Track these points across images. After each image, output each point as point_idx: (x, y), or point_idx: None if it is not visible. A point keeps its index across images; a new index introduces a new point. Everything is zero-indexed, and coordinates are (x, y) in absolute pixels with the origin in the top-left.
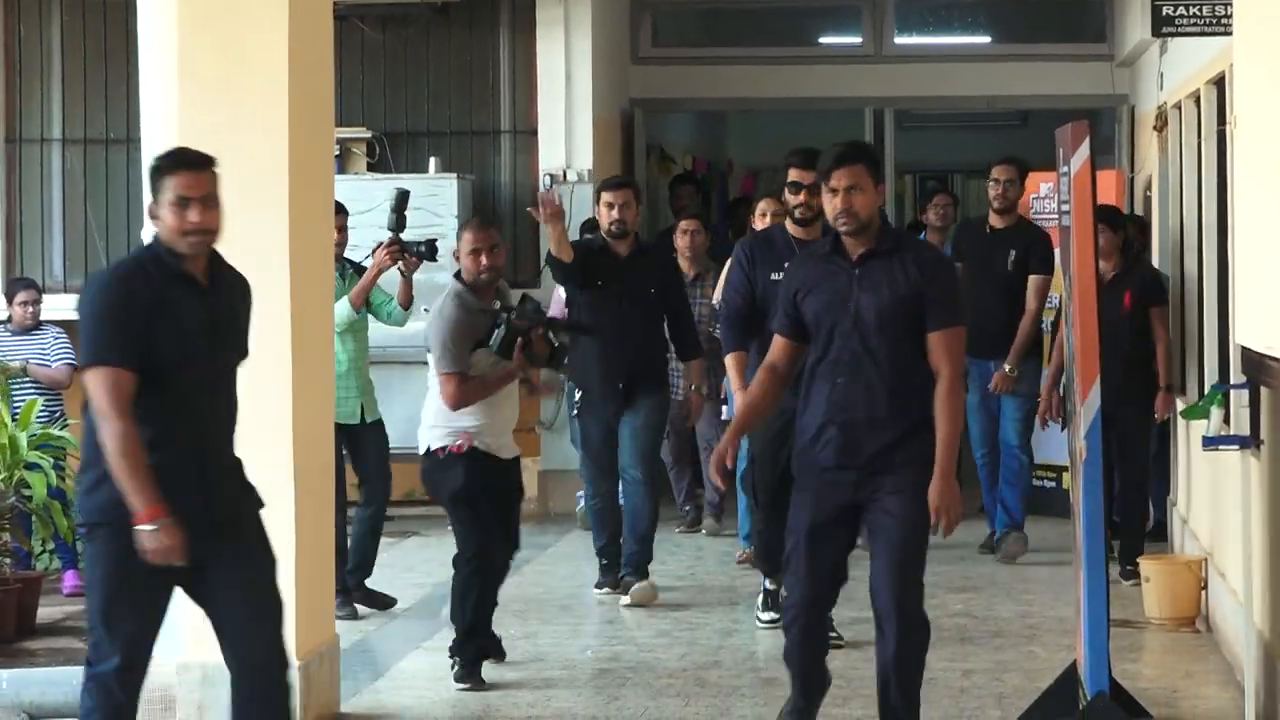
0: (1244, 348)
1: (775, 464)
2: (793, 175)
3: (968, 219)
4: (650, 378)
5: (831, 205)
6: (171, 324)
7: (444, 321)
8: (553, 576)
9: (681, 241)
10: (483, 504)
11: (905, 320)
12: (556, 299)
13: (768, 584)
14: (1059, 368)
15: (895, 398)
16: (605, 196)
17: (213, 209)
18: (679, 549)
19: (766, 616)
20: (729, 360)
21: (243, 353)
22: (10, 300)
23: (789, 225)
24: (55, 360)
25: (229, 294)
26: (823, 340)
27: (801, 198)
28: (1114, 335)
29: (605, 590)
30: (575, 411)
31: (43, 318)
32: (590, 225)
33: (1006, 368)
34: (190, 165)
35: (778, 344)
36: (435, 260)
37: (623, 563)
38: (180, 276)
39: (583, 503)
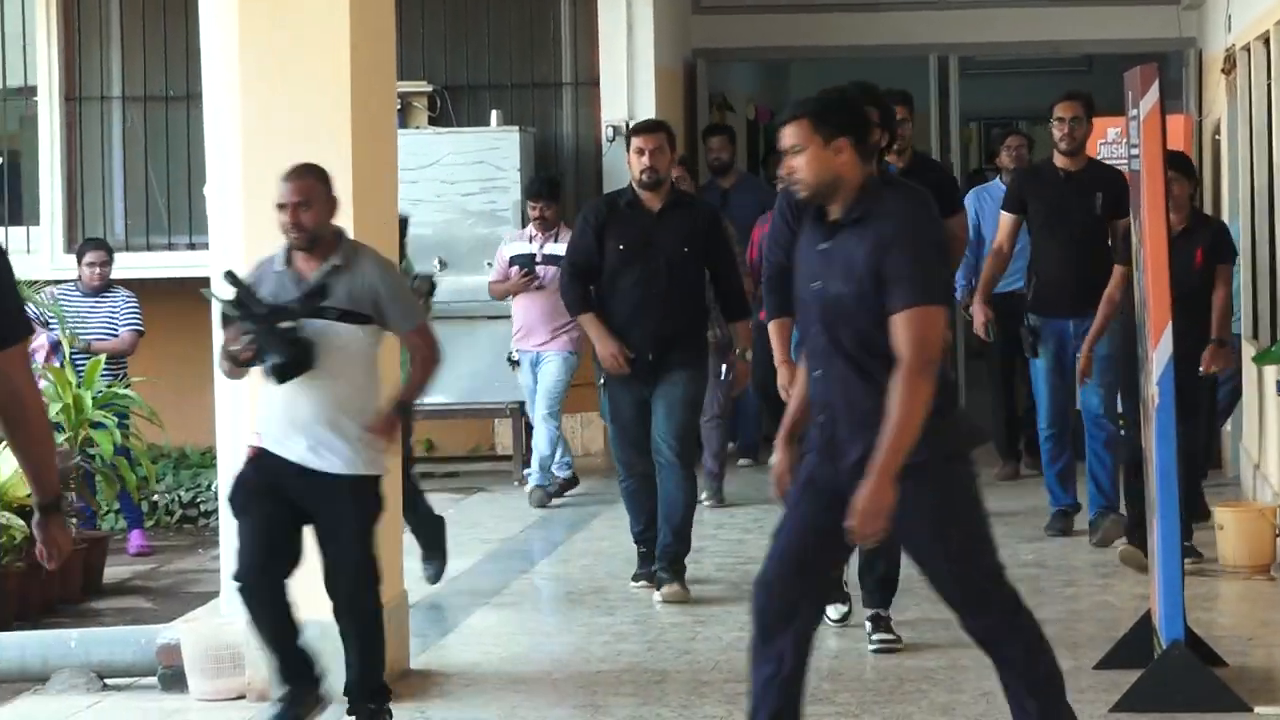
0: None
1: None
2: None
3: (1030, 164)
4: (686, 347)
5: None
6: None
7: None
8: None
9: None
10: (254, 516)
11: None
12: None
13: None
14: (1104, 322)
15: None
16: (635, 141)
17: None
18: (721, 529)
19: (835, 614)
20: (772, 328)
21: None
22: (80, 261)
23: None
24: (123, 325)
25: None
26: (799, 324)
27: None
28: (1185, 294)
29: (642, 584)
30: (602, 380)
31: (112, 278)
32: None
33: (1084, 350)
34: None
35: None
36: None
37: (656, 554)
38: None
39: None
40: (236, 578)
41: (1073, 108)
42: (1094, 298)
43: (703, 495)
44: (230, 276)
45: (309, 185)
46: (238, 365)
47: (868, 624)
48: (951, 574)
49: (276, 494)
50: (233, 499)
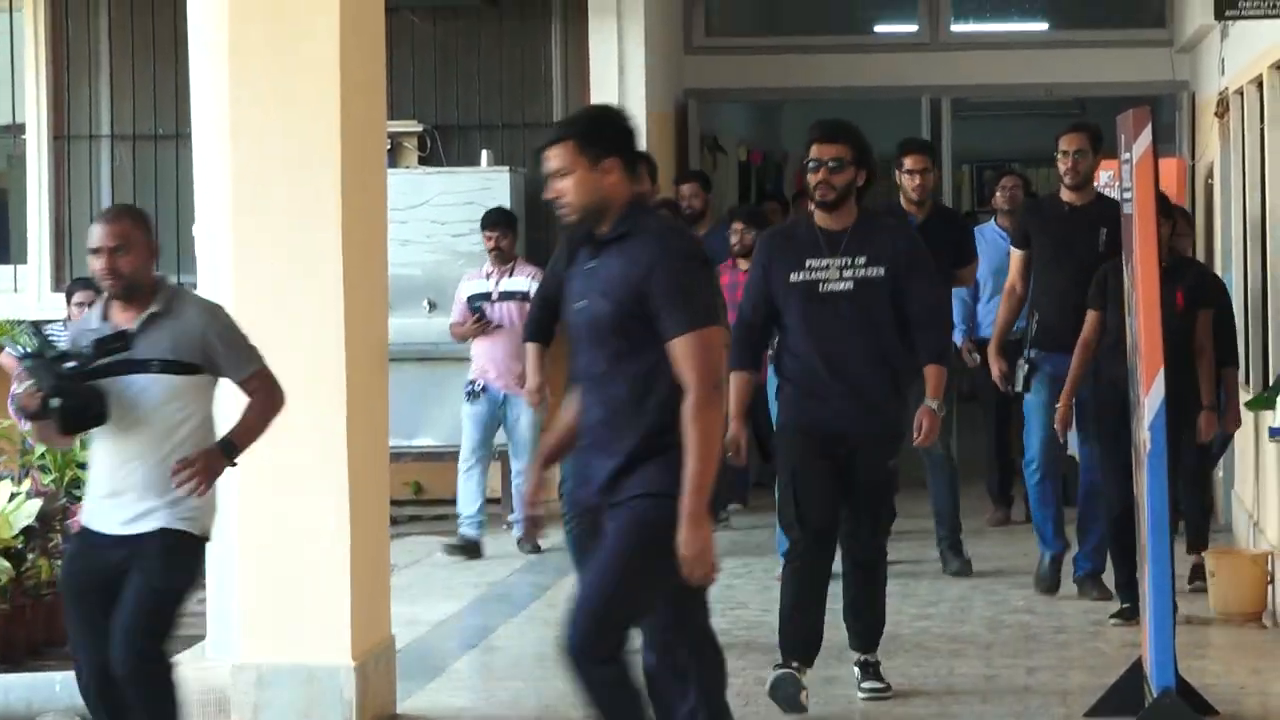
0: None
1: (824, 477)
2: (813, 152)
3: (1038, 197)
4: None
5: None
6: None
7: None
8: None
9: None
10: (76, 598)
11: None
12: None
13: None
14: (1080, 371)
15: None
16: None
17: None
18: None
19: (869, 686)
20: (732, 379)
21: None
22: (69, 300)
23: (815, 213)
24: None
25: None
26: (571, 349)
27: (821, 175)
28: (1166, 336)
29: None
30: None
31: None
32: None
33: (1063, 400)
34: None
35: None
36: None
37: None
38: None
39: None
40: (80, 687)
41: (1077, 140)
42: None
43: None
44: (33, 327)
45: (125, 229)
46: (27, 416)
47: (856, 670)
48: (590, 595)
49: (102, 580)
50: (60, 583)
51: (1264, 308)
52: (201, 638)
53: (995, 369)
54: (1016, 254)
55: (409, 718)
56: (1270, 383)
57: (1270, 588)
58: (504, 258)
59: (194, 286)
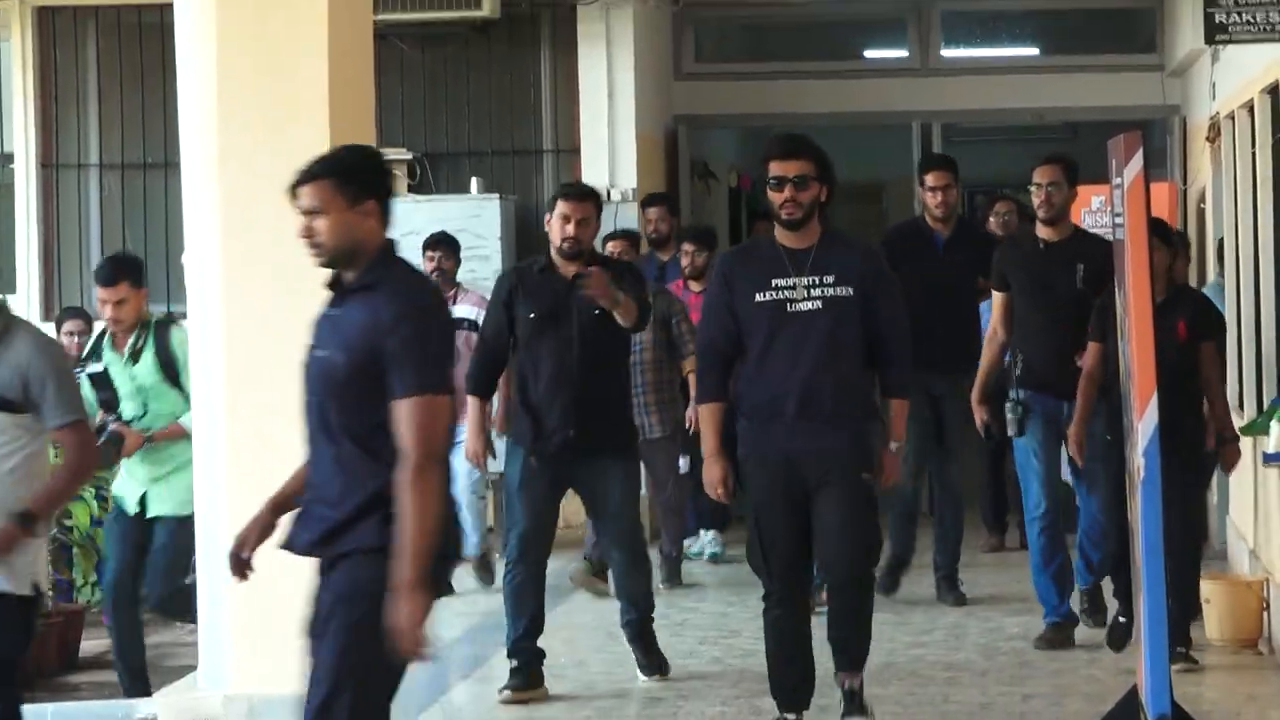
0: None
1: (789, 515)
2: (774, 169)
3: (1010, 237)
4: (613, 431)
5: None
6: None
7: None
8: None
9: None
10: None
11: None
12: None
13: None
14: (1088, 404)
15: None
16: (561, 207)
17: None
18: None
19: None
20: (702, 412)
21: None
22: (59, 329)
23: (777, 231)
24: None
25: None
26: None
27: (787, 193)
28: (1167, 368)
29: (507, 694)
30: (526, 457)
31: None
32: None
33: (1074, 430)
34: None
35: None
36: None
37: (625, 634)
38: None
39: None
40: None
41: (1050, 172)
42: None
43: (658, 581)
44: None
45: None
46: None
47: (840, 698)
48: (320, 668)
49: None
50: None
51: (1257, 333)
52: (193, 668)
53: (978, 418)
54: (997, 296)
55: None
56: (1264, 408)
57: (1266, 614)
58: (447, 281)
59: (184, 316)
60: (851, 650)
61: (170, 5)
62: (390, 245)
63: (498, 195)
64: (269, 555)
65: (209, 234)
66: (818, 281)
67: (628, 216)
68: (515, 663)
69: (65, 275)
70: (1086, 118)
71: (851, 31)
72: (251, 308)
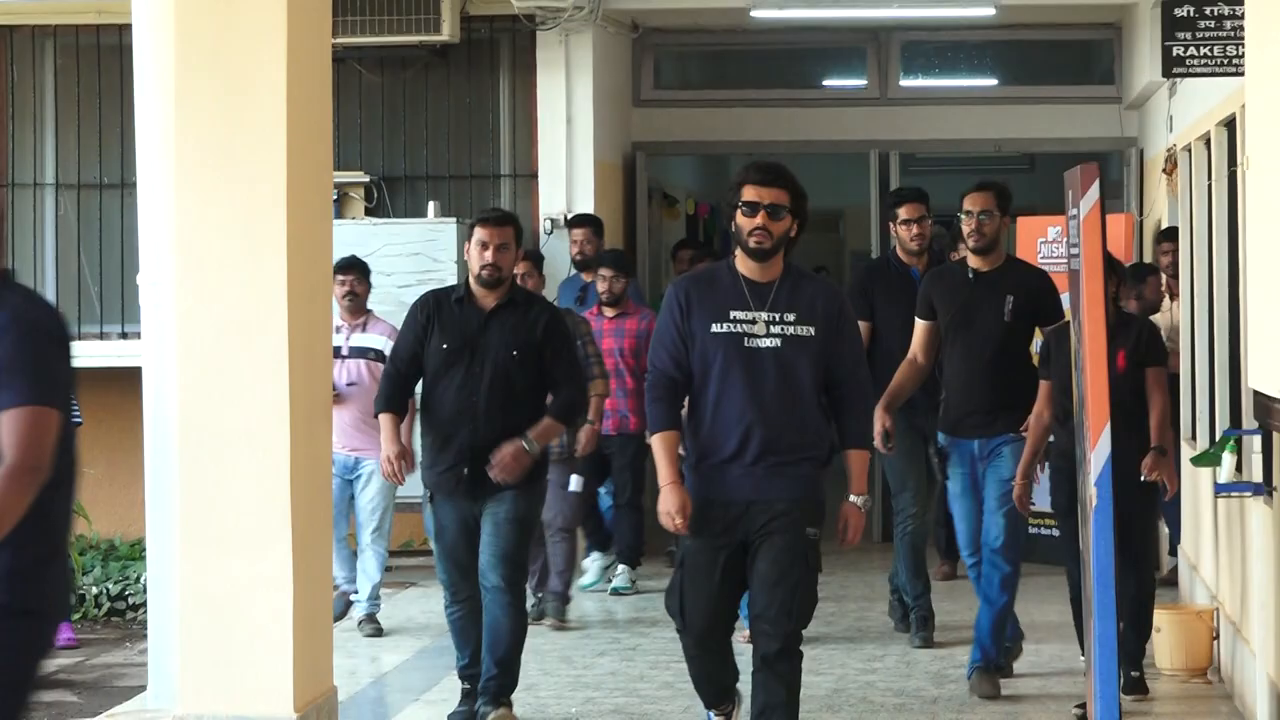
0: (1256, 392)
1: (719, 570)
2: (748, 194)
3: (939, 268)
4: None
5: None
6: None
7: None
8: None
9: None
10: None
11: None
12: None
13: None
14: (1038, 444)
15: None
16: (479, 233)
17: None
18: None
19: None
20: (655, 442)
21: None
22: None
23: (739, 261)
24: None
25: None
26: None
27: (759, 220)
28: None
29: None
30: (429, 495)
31: None
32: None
33: (1019, 478)
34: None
35: None
36: None
37: (479, 690)
38: None
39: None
40: None
41: (982, 200)
42: (1003, 413)
43: (545, 619)
44: None
45: None
46: None
47: None
48: None
49: None
50: None
51: (1210, 363)
52: (143, 688)
53: (878, 425)
54: (919, 325)
55: None
56: (1216, 439)
57: (1216, 644)
58: (357, 306)
59: (138, 336)
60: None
61: (129, 26)
62: (5, 273)
63: (455, 219)
64: (216, 576)
65: (164, 254)
66: (778, 318)
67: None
68: (467, 686)
69: None
70: (1044, 149)
71: (811, 60)
72: (206, 328)
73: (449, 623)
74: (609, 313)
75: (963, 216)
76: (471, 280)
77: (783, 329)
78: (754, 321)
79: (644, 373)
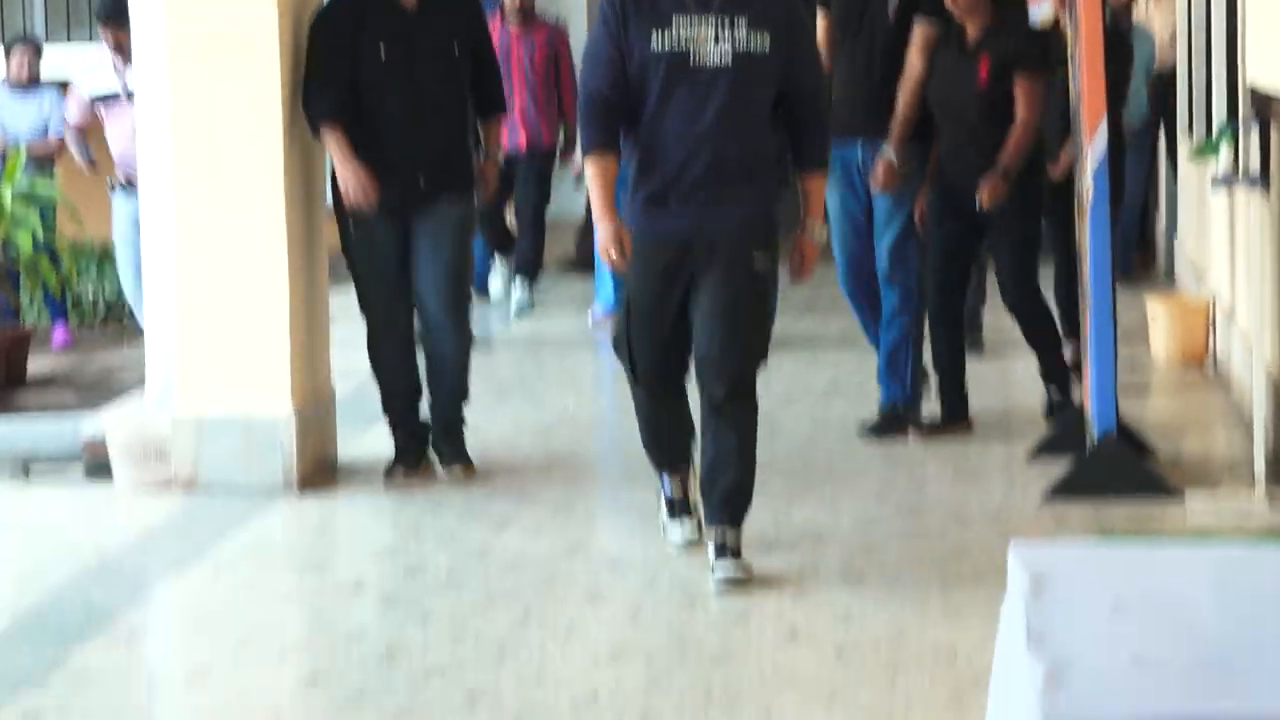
0: (1253, 88)
1: (666, 305)
2: None
3: None
4: (451, 178)
5: None
6: None
7: None
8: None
9: None
10: None
11: None
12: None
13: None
14: (1018, 154)
15: None
16: None
17: None
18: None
19: (677, 534)
20: (588, 165)
21: None
22: (8, 56)
23: None
24: (55, 127)
25: None
26: None
27: None
28: (959, 117)
29: (397, 478)
30: (351, 225)
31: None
32: None
33: (890, 153)
34: None
35: None
36: None
37: (431, 428)
38: None
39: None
40: None
41: None
42: (886, 112)
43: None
44: None
45: None
46: None
47: (710, 550)
48: None
49: None
50: None
51: (1207, 56)
52: (141, 386)
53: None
54: (820, 20)
55: (349, 466)
56: (1214, 131)
57: (1211, 335)
58: (128, 53)
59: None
60: (732, 502)
61: None
62: None
63: None
64: (212, 278)
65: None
66: (728, 23)
67: None
68: (401, 444)
69: (7, 5)
70: None
71: None
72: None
73: (371, 364)
74: (512, 26)
75: None
76: None
77: (734, 42)
78: (699, 29)
79: (557, 86)
